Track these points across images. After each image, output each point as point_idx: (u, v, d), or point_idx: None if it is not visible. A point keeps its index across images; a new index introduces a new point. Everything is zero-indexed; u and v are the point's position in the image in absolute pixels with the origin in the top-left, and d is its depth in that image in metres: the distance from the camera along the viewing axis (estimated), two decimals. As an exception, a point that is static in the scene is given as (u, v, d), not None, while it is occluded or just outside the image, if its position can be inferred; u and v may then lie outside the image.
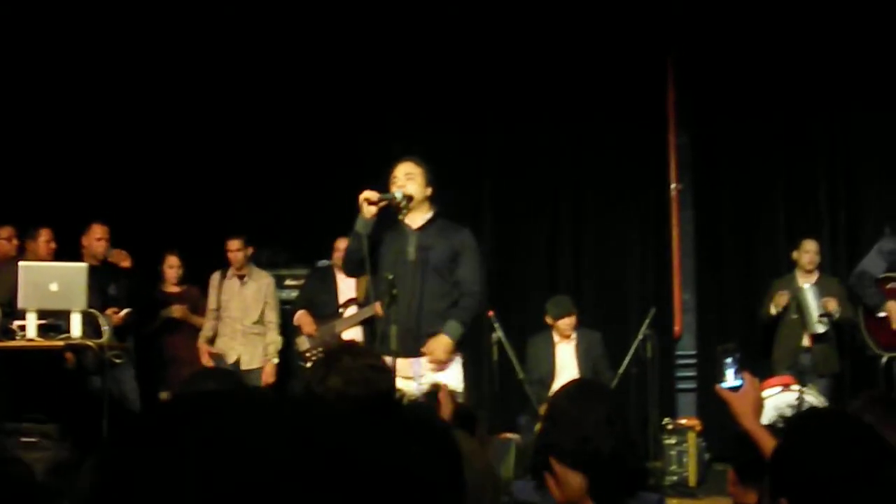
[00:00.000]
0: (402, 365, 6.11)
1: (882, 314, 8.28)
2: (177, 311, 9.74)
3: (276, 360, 9.61)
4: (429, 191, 6.48)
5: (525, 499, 3.52)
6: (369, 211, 6.22)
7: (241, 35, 10.58)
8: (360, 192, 6.36)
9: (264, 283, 9.81)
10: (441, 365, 6.26)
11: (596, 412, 3.26)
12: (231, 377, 4.65)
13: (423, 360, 6.27)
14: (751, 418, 3.39)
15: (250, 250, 9.75)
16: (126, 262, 9.33)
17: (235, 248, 9.66)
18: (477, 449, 3.22)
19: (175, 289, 9.91)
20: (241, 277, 9.75)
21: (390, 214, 6.41)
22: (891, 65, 10.21)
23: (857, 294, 8.49)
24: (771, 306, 9.56)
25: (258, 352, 9.57)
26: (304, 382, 3.94)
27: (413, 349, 6.22)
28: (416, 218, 6.45)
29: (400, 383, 5.76)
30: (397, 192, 6.33)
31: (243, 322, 9.69)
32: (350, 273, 6.92)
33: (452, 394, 3.64)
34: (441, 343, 6.27)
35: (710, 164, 10.85)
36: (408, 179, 6.40)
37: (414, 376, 6.18)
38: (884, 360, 8.33)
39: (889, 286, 8.33)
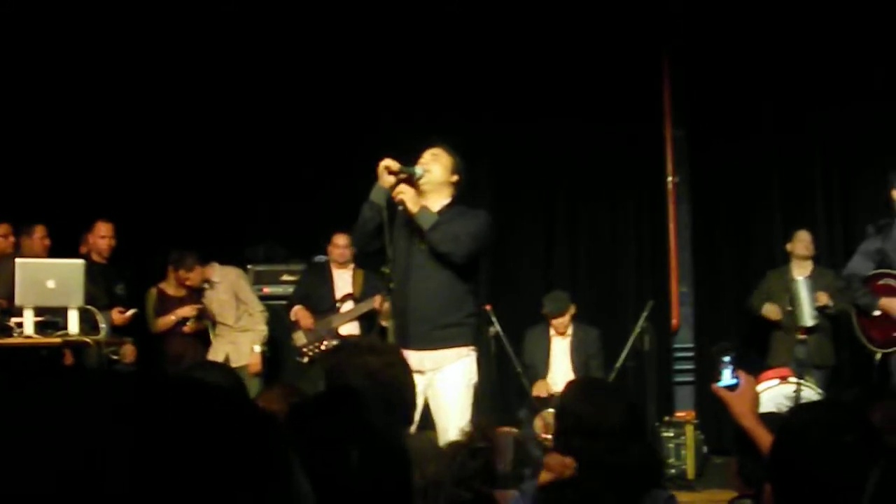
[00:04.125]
0: (412, 358, 5.74)
1: (877, 313, 8.27)
2: (188, 327, 9.69)
3: (258, 349, 9.57)
4: (454, 178, 6.27)
5: None
6: (388, 180, 5.98)
7: (239, 32, 10.56)
8: (356, 185, 6.30)
9: (230, 278, 9.81)
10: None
11: (612, 419, 3.29)
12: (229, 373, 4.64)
13: (433, 353, 6.04)
14: (749, 417, 3.41)
15: (196, 266, 9.70)
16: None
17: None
18: (436, 450, 3.24)
19: (181, 291, 9.88)
20: (208, 283, 9.77)
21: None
22: (886, 56, 10.23)
23: (848, 297, 8.51)
24: (763, 309, 9.63)
25: (244, 349, 9.55)
26: (325, 372, 3.97)
27: (423, 342, 6.00)
28: (434, 203, 6.18)
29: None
30: (418, 168, 6.13)
31: (226, 322, 9.71)
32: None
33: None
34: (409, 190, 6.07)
35: (706, 158, 10.83)
36: (431, 160, 6.22)
37: (424, 370, 5.92)
38: (878, 356, 8.33)
39: (879, 283, 8.33)
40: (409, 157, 6.20)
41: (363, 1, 10.56)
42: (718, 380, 3.55)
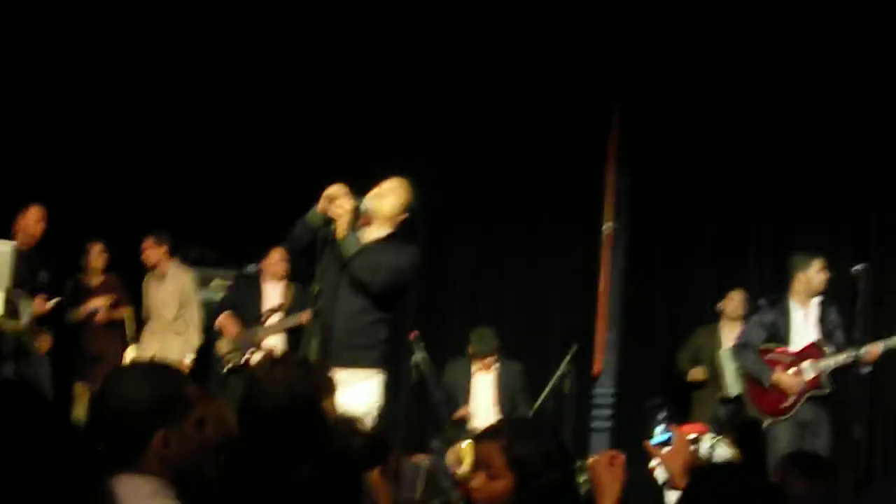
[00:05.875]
0: None
1: (769, 384, 8.45)
2: (100, 317, 9.60)
3: (188, 360, 9.48)
4: (401, 216, 6.28)
5: None
6: (324, 207, 6.04)
7: (186, 38, 10.52)
8: (295, 200, 6.31)
9: (183, 280, 9.75)
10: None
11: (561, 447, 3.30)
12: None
13: (343, 372, 5.87)
14: (681, 478, 3.39)
15: (164, 247, 9.69)
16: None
17: (147, 247, 9.67)
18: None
19: (97, 280, 9.81)
20: (160, 275, 9.71)
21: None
22: (820, 116, 10.38)
23: (741, 366, 8.68)
24: (690, 374, 9.80)
25: (173, 350, 9.44)
26: (246, 388, 3.99)
27: (335, 360, 5.95)
28: (372, 233, 6.24)
29: None
30: (364, 203, 6.14)
31: (162, 319, 9.64)
32: (291, 252, 6.66)
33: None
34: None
35: (648, 208, 10.89)
36: (388, 191, 6.25)
37: None
38: (766, 424, 8.47)
39: (768, 357, 8.51)
40: (354, 183, 6.16)
41: (300, 28, 10.55)
42: (651, 436, 3.52)
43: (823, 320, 8.57)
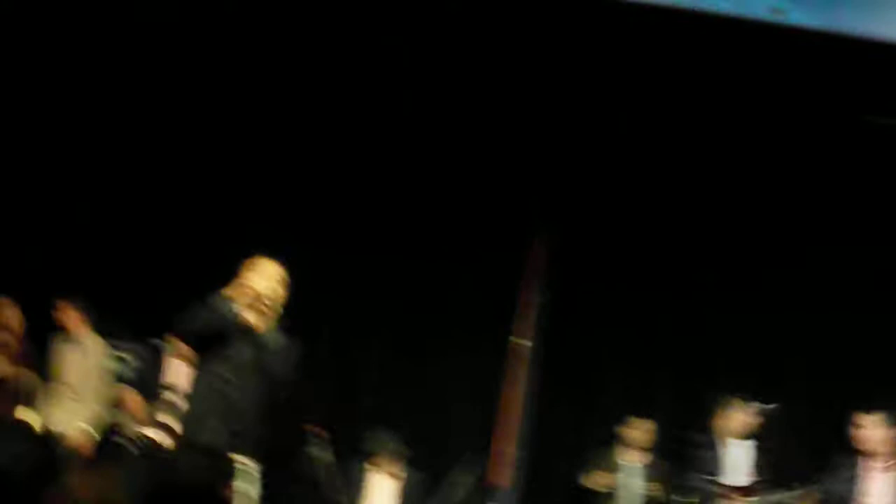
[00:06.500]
0: None
1: None
2: None
3: (85, 429, 9.13)
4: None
5: None
6: (239, 296, 6.25)
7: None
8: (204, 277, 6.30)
9: (94, 348, 9.49)
10: None
11: None
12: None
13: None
14: None
15: (80, 313, 9.52)
16: None
17: (63, 310, 9.52)
18: None
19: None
20: (72, 340, 9.50)
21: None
22: (742, 251, 10.67)
23: (695, 496, 8.83)
24: (594, 480, 9.70)
25: (73, 418, 9.15)
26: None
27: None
28: (261, 321, 6.39)
29: None
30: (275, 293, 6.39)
31: (67, 385, 9.33)
32: (186, 341, 6.77)
33: None
34: None
35: (562, 326, 10.84)
36: (282, 281, 6.45)
37: None
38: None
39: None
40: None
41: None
42: None
43: (748, 459, 8.97)
